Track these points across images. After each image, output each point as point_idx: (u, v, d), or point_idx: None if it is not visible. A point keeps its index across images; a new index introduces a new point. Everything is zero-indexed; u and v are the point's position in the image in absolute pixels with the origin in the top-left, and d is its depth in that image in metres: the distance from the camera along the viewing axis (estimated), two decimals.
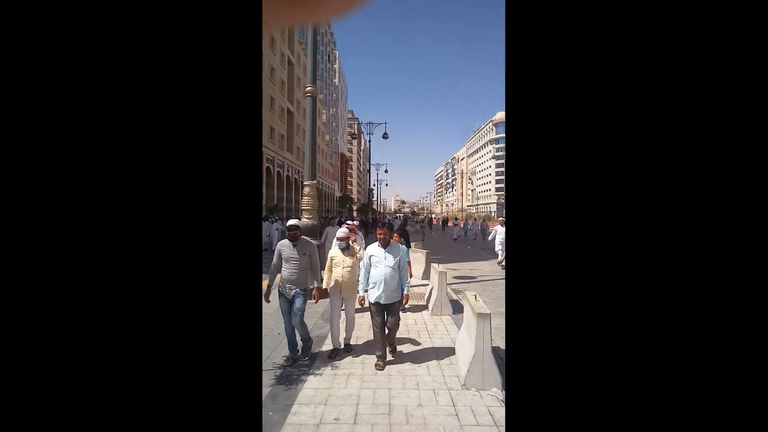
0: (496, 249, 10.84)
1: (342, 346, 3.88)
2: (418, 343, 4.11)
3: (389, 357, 3.53)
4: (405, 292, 3.63)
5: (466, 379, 3.04)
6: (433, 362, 3.59)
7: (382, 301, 3.52)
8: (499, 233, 10.74)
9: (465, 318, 3.71)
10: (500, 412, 2.65)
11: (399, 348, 3.76)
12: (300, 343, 3.71)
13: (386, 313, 3.57)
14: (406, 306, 3.80)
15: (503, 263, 9.87)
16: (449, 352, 3.84)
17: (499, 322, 4.57)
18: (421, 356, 3.76)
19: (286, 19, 0.32)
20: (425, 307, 5.52)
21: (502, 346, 4.00)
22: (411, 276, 5.67)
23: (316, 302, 3.70)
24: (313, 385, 3.10)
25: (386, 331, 3.56)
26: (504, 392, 2.91)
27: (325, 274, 3.90)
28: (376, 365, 3.45)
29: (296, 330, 3.62)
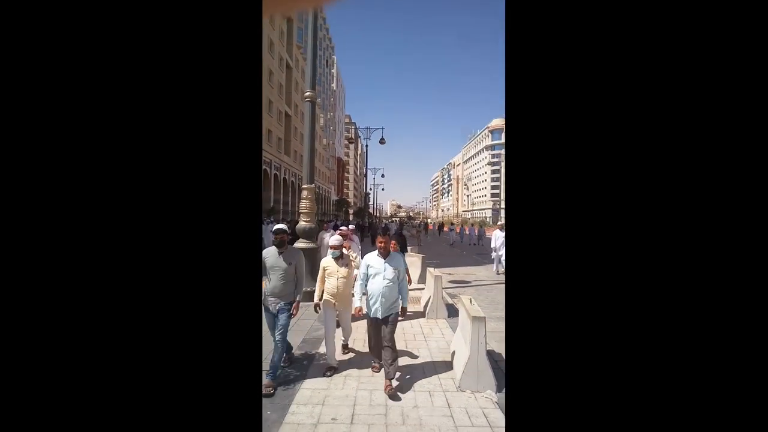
0: (493, 255, 10.65)
1: (340, 357, 3.69)
2: (414, 347, 4.16)
3: (389, 383, 3.08)
4: (403, 305, 3.36)
5: (461, 381, 3.09)
6: (429, 364, 3.64)
7: (379, 315, 3.20)
8: (498, 238, 10.47)
9: (460, 321, 3.76)
10: (494, 414, 2.70)
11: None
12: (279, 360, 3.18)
13: (382, 324, 3.27)
14: (402, 316, 3.48)
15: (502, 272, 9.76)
16: (445, 354, 3.89)
17: (494, 326, 4.63)
18: (417, 359, 3.82)
19: (286, 5, 0.32)
20: (422, 313, 5.57)
21: (497, 349, 4.06)
22: (410, 282, 5.57)
23: (294, 315, 3.29)
24: (310, 385, 3.14)
25: (383, 347, 3.22)
26: (498, 394, 2.96)
27: (317, 286, 3.51)
28: (372, 367, 3.48)
29: (275, 347, 3.08)
